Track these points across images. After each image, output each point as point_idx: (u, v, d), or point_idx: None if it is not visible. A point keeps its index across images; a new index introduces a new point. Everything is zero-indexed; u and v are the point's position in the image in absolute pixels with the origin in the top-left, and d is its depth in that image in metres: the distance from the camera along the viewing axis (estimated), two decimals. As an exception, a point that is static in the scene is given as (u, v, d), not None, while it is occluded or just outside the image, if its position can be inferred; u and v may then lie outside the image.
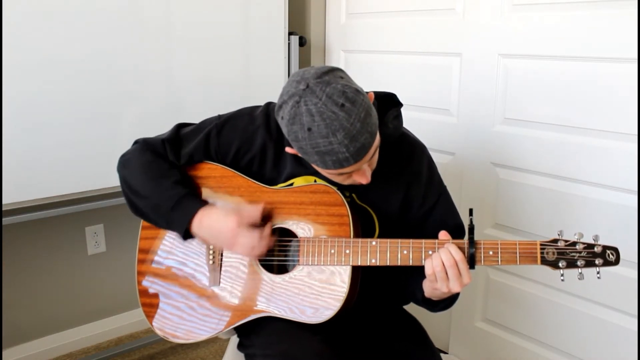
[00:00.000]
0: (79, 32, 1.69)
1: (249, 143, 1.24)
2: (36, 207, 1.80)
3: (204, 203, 1.20)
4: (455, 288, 1.06)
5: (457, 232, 1.23)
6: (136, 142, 1.30)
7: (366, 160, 1.04)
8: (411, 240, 1.11)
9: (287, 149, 1.12)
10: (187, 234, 1.19)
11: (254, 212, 1.17)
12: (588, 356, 1.71)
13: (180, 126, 1.30)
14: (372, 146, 1.03)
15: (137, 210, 1.25)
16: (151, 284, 1.28)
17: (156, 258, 1.28)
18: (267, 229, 1.17)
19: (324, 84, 0.99)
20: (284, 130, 1.04)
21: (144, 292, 1.28)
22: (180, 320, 1.25)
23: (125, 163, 1.27)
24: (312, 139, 0.99)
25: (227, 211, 1.16)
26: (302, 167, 1.21)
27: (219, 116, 1.28)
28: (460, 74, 1.89)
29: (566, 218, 1.68)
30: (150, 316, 1.27)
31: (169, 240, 1.28)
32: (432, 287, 1.11)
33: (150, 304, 1.28)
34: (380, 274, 1.26)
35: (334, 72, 1.02)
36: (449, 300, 1.20)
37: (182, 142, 1.27)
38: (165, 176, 1.22)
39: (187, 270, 1.26)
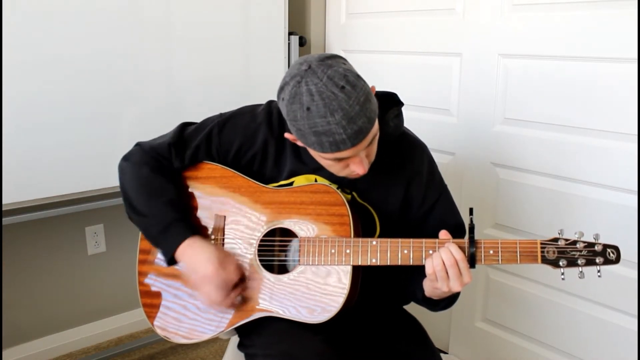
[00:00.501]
0: (79, 33, 1.69)
1: (251, 140, 1.24)
2: (36, 207, 1.80)
3: (193, 231, 1.19)
4: (455, 287, 1.06)
5: (457, 231, 1.23)
6: (138, 144, 1.29)
7: (363, 146, 1.04)
8: (412, 240, 1.11)
9: (286, 135, 1.12)
10: (171, 261, 1.19)
11: (233, 274, 1.16)
12: (588, 356, 1.71)
13: (184, 126, 1.30)
14: (369, 132, 1.03)
15: (131, 220, 1.25)
16: (152, 284, 1.28)
17: (157, 258, 1.28)
18: (234, 294, 1.16)
19: (326, 67, 1.00)
20: (284, 111, 1.04)
21: (145, 292, 1.28)
22: (181, 320, 1.25)
23: (124, 169, 1.26)
24: (310, 119, 0.99)
25: (210, 258, 1.14)
26: (302, 165, 1.22)
27: (221, 114, 1.28)
28: (460, 74, 1.89)
29: (566, 218, 1.69)
30: (151, 316, 1.27)
31: (170, 240, 1.28)
32: (432, 287, 1.11)
33: (151, 304, 1.27)
34: (381, 274, 1.26)
35: (337, 58, 1.04)
36: (449, 300, 1.20)
37: (186, 142, 1.26)
38: (158, 195, 1.20)
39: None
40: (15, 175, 1.65)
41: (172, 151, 1.24)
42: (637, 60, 1.47)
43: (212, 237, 1.25)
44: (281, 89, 1.04)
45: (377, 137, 1.10)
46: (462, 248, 1.07)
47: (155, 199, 1.20)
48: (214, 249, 1.16)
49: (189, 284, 1.23)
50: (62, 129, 1.71)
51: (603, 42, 1.53)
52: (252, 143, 1.24)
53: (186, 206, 1.25)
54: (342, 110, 0.98)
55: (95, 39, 1.72)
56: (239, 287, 1.18)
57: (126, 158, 1.27)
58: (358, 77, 1.02)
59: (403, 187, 1.22)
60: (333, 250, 1.14)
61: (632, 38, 1.46)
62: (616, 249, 1.04)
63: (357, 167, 1.08)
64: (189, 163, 1.26)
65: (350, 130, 1.00)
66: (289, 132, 1.10)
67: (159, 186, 1.22)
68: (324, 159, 1.09)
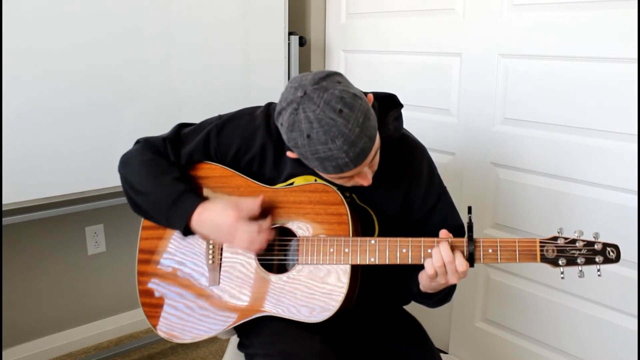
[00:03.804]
0: (79, 33, 1.69)
1: (249, 143, 1.24)
2: (36, 207, 1.80)
3: (203, 199, 1.20)
4: (453, 280, 1.08)
5: (457, 233, 1.23)
6: (138, 142, 1.30)
7: (366, 163, 1.05)
8: (410, 239, 1.11)
9: (289, 154, 1.12)
10: (187, 231, 1.19)
11: (253, 205, 1.17)
12: (587, 356, 1.71)
13: (181, 126, 1.31)
14: (371, 150, 1.03)
15: (138, 208, 1.24)
16: (151, 284, 1.28)
17: (156, 258, 1.28)
18: (267, 223, 1.16)
19: (322, 90, 0.99)
20: (284, 136, 1.05)
21: (144, 292, 1.28)
22: (180, 320, 1.25)
23: (126, 162, 1.27)
24: (312, 146, 0.99)
25: (225, 205, 1.16)
26: (302, 167, 1.21)
27: (220, 116, 1.28)
28: (460, 74, 1.89)
29: (566, 218, 1.68)
30: (150, 316, 1.27)
31: (169, 240, 1.28)
32: (430, 281, 1.12)
33: (150, 303, 1.28)
34: (379, 274, 1.26)
35: (332, 77, 1.02)
36: (445, 293, 1.20)
37: (182, 141, 1.27)
38: (164, 173, 1.22)
39: (187, 270, 1.26)
40: (15, 175, 1.65)
41: (168, 146, 1.25)
42: (637, 60, 1.46)
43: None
44: (279, 114, 1.04)
45: (379, 149, 1.10)
46: (460, 247, 1.07)
47: (161, 176, 1.21)
48: (224, 200, 1.17)
49: (222, 242, 1.22)
50: (62, 129, 1.71)
51: (603, 42, 1.52)
52: (250, 146, 1.24)
53: (192, 182, 1.26)
54: (343, 135, 0.98)
55: (95, 40, 1.72)
56: (268, 217, 1.17)
57: (126, 153, 1.29)
58: (355, 96, 1.01)
59: (403, 190, 1.22)
60: (332, 250, 1.14)
61: (632, 38, 1.46)
62: (616, 247, 1.04)
63: (362, 181, 1.10)
64: (184, 161, 1.26)
65: (352, 153, 1.00)
66: (291, 150, 1.10)
67: (163, 167, 1.23)
68: (328, 176, 1.10)
